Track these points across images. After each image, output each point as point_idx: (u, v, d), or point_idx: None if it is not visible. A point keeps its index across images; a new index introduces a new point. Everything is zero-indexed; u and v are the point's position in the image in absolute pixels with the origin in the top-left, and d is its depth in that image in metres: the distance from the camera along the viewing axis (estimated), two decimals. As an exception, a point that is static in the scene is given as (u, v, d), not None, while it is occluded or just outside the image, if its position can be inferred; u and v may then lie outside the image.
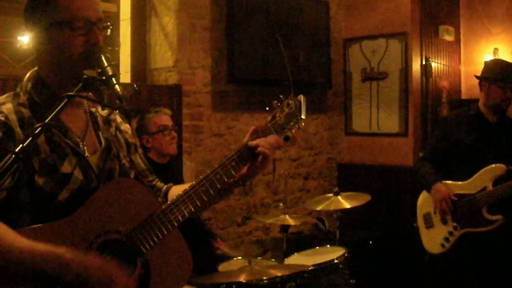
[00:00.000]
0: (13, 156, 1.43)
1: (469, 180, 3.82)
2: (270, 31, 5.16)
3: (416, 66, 5.78)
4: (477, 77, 4.02)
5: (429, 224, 3.99)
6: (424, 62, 5.85)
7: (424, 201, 4.06)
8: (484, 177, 3.77)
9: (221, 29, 4.93)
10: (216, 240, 4.00)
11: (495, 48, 5.99)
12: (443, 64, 6.12)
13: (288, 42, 5.35)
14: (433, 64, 5.90)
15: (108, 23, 1.76)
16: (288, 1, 5.36)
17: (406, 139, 5.74)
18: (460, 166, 3.90)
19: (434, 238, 3.95)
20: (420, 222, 4.05)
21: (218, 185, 1.80)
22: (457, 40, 6.36)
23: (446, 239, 3.89)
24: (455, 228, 3.85)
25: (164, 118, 3.70)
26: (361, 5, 6.02)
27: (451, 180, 3.89)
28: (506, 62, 4.11)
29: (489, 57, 6.00)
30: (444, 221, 3.89)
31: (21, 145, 1.45)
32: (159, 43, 4.74)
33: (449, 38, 6.16)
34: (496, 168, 3.75)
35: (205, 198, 1.78)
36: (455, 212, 3.83)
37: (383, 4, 5.86)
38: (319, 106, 5.99)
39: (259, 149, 1.80)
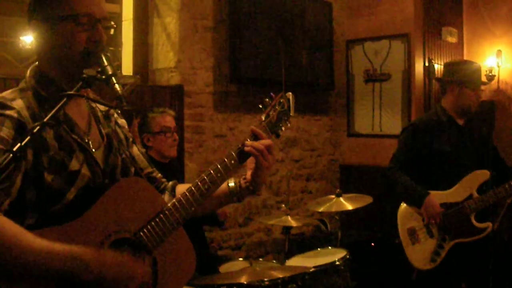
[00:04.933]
0: (11, 155, 1.42)
1: (453, 188, 3.67)
2: (272, 32, 5.15)
3: (419, 67, 5.76)
4: (442, 80, 3.89)
5: (414, 240, 3.74)
6: (427, 64, 5.83)
7: (405, 215, 3.81)
8: (469, 184, 3.65)
9: (224, 29, 4.92)
10: (218, 214, 3.83)
11: (498, 50, 5.97)
12: (446, 66, 6.10)
13: (291, 43, 5.34)
14: (436, 66, 5.88)
15: (112, 23, 1.76)
16: (291, 2, 5.36)
17: (409, 141, 5.71)
18: (439, 174, 3.72)
19: (423, 254, 3.71)
20: (404, 237, 3.77)
21: (219, 183, 1.82)
22: (460, 42, 6.34)
23: (436, 253, 3.68)
24: (443, 240, 3.66)
25: (168, 119, 3.67)
26: (364, 6, 6.01)
27: (429, 189, 3.69)
28: (473, 62, 3.96)
29: (492, 58, 5.99)
30: (430, 234, 3.70)
31: (19, 144, 1.43)
32: (161, 43, 4.73)
33: (452, 39, 6.14)
34: (480, 174, 3.65)
35: (207, 194, 1.81)
36: (443, 223, 3.66)
37: (386, 5, 5.85)
38: (322, 107, 5.98)
39: (246, 148, 1.84)
